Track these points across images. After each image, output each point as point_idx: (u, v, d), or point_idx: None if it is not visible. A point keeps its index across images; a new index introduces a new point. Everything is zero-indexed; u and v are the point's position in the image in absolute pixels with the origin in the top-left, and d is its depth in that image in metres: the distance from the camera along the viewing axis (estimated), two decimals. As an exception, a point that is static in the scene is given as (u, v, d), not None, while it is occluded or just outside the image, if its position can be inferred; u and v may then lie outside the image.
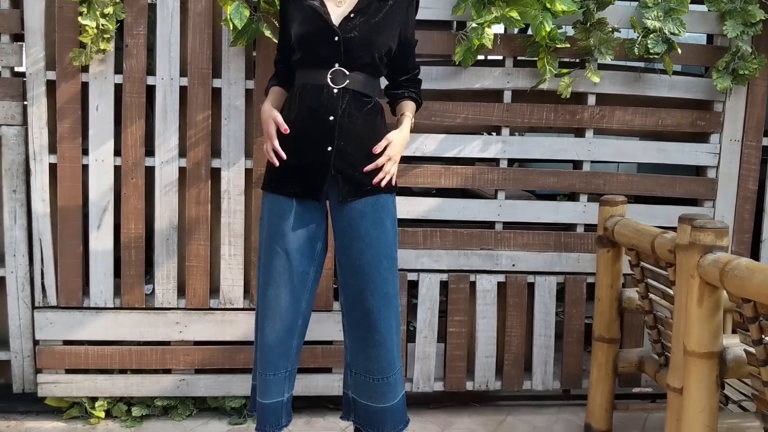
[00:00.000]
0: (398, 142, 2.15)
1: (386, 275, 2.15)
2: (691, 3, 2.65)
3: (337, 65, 2.07)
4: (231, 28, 2.44)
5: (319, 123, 2.08)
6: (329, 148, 2.08)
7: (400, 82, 2.26)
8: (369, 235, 2.11)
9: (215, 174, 2.68)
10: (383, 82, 2.30)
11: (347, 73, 2.08)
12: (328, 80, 2.07)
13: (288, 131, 2.10)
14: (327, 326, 2.75)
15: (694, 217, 1.96)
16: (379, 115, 2.17)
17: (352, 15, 2.07)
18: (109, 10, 2.45)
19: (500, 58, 2.76)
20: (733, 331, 2.46)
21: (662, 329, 2.45)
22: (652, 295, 2.45)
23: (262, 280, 2.19)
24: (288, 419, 2.31)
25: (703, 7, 2.75)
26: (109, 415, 2.77)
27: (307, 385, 2.78)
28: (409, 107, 2.25)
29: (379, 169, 2.11)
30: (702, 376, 1.90)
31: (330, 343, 2.78)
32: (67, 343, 2.70)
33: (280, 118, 2.12)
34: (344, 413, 2.34)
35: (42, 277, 2.65)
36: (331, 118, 2.07)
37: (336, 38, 2.05)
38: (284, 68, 2.24)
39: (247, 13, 2.42)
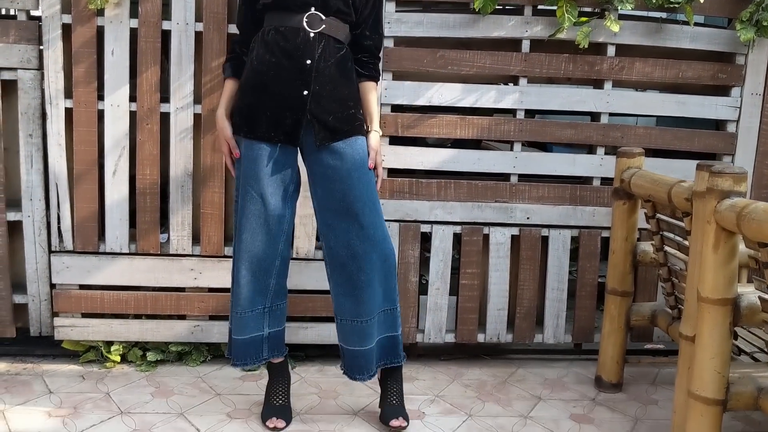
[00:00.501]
0: (379, 145, 2.23)
1: (372, 217, 2.16)
2: (715, -49, 2.59)
3: (312, 9, 2.08)
4: (246, -29, 2.41)
5: (296, 66, 2.09)
6: (305, 92, 2.09)
7: (359, 58, 2.23)
8: (351, 177, 2.13)
9: (230, 121, 2.67)
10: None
11: (323, 17, 2.08)
12: (305, 24, 2.08)
13: (238, 155, 2.18)
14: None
15: (711, 164, 1.94)
16: (349, 62, 2.18)
17: None
18: (125, -49, 2.43)
19: (519, 6, 2.71)
20: (749, 281, 2.45)
21: (676, 282, 2.44)
22: (667, 248, 2.44)
23: (238, 225, 2.21)
24: (271, 354, 2.34)
25: (728, -44, 2.68)
26: (124, 359, 2.81)
27: (321, 333, 2.81)
28: (372, 97, 2.24)
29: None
30: (715, 323, 1.90)
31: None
32: (83, 287, 2.73)
33: (233, 141, 2.19)
34: (341, 364, 2.37)
35: (58, 222, 2.67)
36: (309, 61, 2.08)
37: None
38: (244, 48, 2.22)
39: (262, -45, 2.39)
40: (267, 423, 2.32)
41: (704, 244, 1.90)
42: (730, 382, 1.95)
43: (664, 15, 2.72)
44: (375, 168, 2.22)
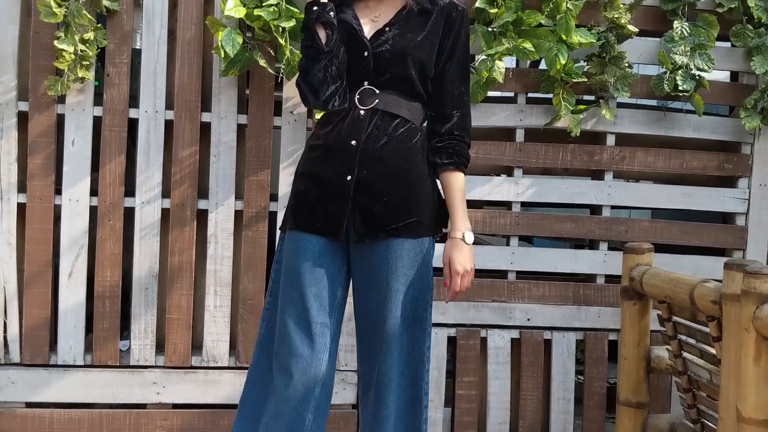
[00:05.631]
0: (458, 258, 1.83)
1: (408, 341, 1.82)
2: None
3: (366, 83, 1.82)
4: (222, 56, 2.24)
5: (342, 148, 1.81)
6: (348, 177, 1.79)
7: (437, 131, 1.86)
8: (389, 287, 1.79)
9: (201, 216, 2.44)
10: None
11: (377, 92, 1.82)
12: (356, 101, 1.82)
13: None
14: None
15: (743, 263, 1.73)
16: (415, 139, 1.84)
17: (387, 29, 1.83)
18: (90, 35, 2.25)
19: (512, 94, 2.57)
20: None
21: (698, 393, 2.19)
22: (686, 354, 2.20)
23: (269, 336, 1.86)
24: None
25: (728, 43, 2.58)
26: (74, 487, 2.45)
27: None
28: (456, 192, 1.84)
29: None
30: (762, 448, 1.64)
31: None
32: (30, 405, 2.41)
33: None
34: None
35: (4, 331, 2.38)
36: (353, 142, 1.80)
37: (365, 53, 1.81)
38: None
39: (240, 40, 2.22)
40: None
41: (743, 356, 1.67)
42: None
43: (666, 103, 2.59)
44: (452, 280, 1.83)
